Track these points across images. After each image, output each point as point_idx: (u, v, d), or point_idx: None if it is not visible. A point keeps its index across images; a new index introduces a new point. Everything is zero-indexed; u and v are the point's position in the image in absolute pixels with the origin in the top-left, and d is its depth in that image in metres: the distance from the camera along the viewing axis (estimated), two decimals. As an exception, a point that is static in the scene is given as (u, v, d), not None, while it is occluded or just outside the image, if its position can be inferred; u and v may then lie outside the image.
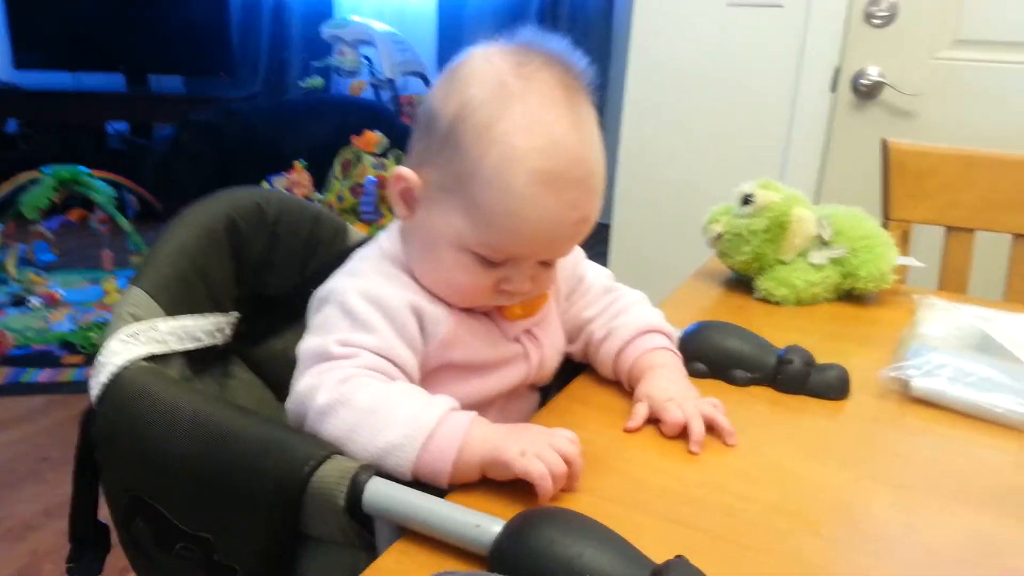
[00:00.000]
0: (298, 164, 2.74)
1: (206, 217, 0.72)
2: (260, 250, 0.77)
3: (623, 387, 0.74)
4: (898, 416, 0.73)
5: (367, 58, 3.39)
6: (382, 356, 0.60)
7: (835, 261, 1.00)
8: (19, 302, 2.72)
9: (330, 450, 0.53)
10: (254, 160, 2.92)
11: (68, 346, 2.48)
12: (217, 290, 0.73)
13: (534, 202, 0.59)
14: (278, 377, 0.84)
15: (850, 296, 1.02)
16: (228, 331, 0.75)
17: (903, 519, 0.56)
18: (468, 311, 0.67)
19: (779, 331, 0.87)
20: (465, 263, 0.63)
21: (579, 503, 0.55)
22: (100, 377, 0.60)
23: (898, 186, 1.25)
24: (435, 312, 0.65)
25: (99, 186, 2.62)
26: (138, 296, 0.65)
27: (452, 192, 0.62)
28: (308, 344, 0.62)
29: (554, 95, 0.60)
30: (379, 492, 0.51)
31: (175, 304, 0.67)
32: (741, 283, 1.05)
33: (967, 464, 0.65)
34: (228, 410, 0.57)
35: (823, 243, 1.01)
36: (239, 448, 0.54)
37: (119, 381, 0.59)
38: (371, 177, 2.45)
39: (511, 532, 0.48)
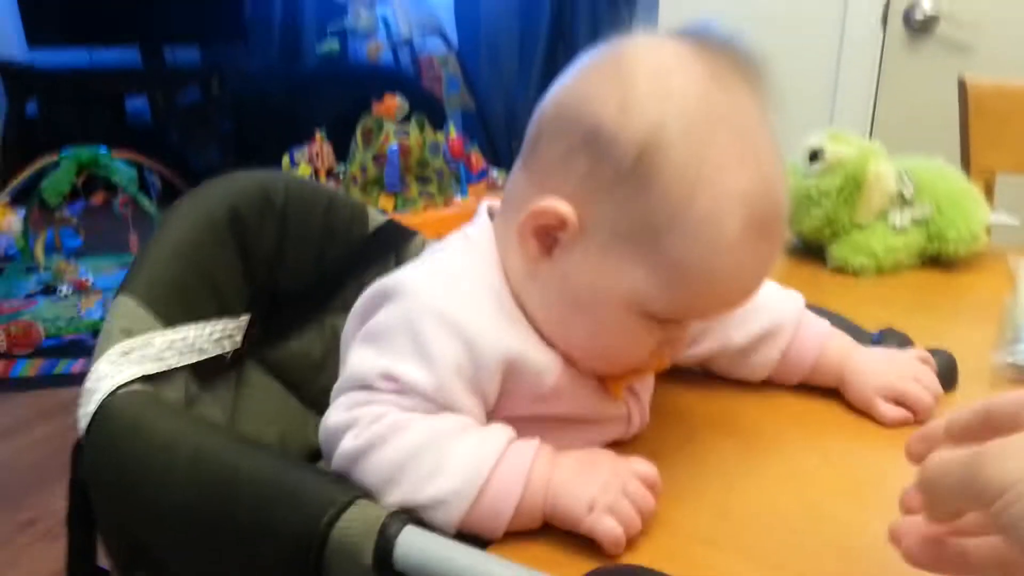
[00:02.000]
0: (319, 135, 2.64)
1: (205, 208, 0.63)
2: (269, 242, 0.68)
3: (696, 389, 0.64)
4: (1020, 410, 0.62)
5: (383, 19, 3.26)
6: (434, 402, 0.48)
7: (918, 222, 0.89)
8: (49, 290, 2.68)
9: (353, 494, 0.44)
10: (273, 133, 2.84)
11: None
12: (223, 291, 0.64)
13: (744, 254, 0.47)
14: (300, 379, 0.75)
15: (936, 261, 0.91)
16: (238, 337, 0.66)
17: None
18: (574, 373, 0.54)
19: (860, 306, 0.75)
20: (632, 326, 0.49)
21: (658, 548, 0.45)
22: (88, 406, 0.52)
23: (979, 131, 1.12)
24: (541, 362, 0.51)
25: (120, 167, 2.56)
26: (129, 307, 0.57)
27: (633, 242, 0.47)
28: (355, 361, 0.50)
29: (754, 114, 0.48)
30: (415, 545, 0.42)
31: (174, 313, 0.59)
32: (810, 252, 0.94)
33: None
34: (234, 446, 0.48)
35: (904, 202, 0.89)
36: (247, 494, 0.45)
37: (108, 411, 0.51)
38: (393, 146, 2.34)
39: (580, 599, 0.38)
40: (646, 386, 0.59)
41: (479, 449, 0.46)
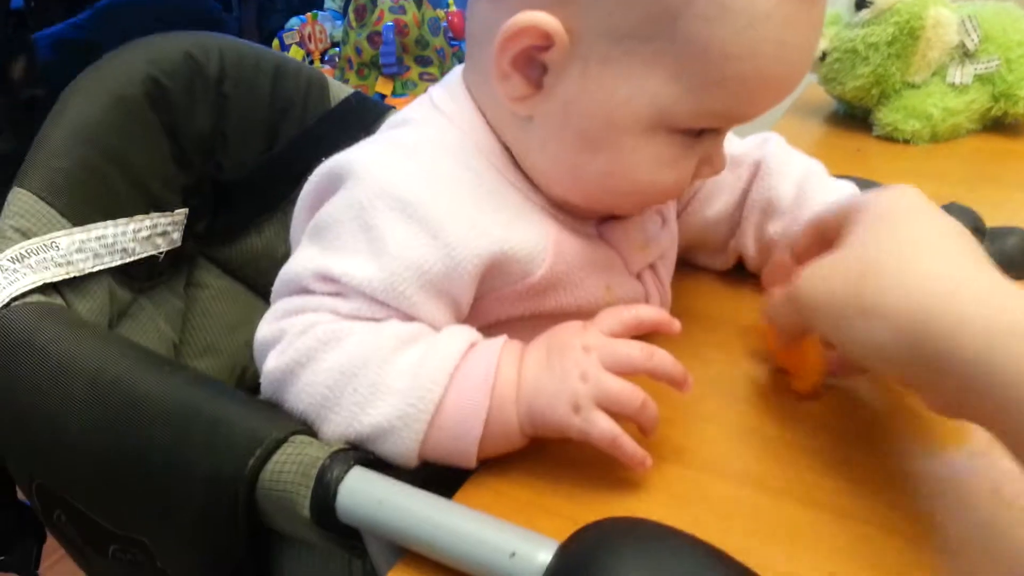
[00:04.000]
0: (311, 15, 2.46)
1: (114, 82, 0.52)
2: (204, 121, 0.58)
3: (713, 283, 0.54)
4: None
5: None
6: (383, 306, 0.38)
7: (983, 78, 0.77)
8: None
9: (289, 428, 0.35)
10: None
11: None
12: (148, 181, 0.54)
13: (785, 22, 0.36)
14: (263, 280, 0.66)
15: (1000, 125, 0.80)
16: (175, 234, 0.57)
17: None
18: (580, 238, 0.44)
19: (915, 179, 0.61)
20: (658, 148, 0.39)
21: (670, 486, 0.36)
22: (-24, 322, 0.42)
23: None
24: (529, 246, 0.41)
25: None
26: (25, 202, 0.47)
27: (642, 38, 0.37)
28: (293, 261, 0.41)
29: None
30: (360, 493, 0.33)
31: (83, 208, 0.49)
32: (854, 118, 0.84)
33: None
34: (143, 367, 0.39)
35: (966, 54, 0.77)
36: (158, 429, 0.37)
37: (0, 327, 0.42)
38: (389, 23, 2.17)
39: (568, 564, 0.29)
40: (668, 264, 0.49)
41: (430, 358, 0.36)
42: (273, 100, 0.61)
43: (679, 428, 0.39)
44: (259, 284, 0.66)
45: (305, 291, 0.39)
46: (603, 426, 0.35)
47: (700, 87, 0.37)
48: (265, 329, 0.39)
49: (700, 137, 0.40)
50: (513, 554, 0.30)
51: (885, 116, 0.78)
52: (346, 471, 0.33)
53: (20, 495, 0.48)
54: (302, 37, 2.35)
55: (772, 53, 0.36)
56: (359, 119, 0.67)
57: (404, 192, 0.39)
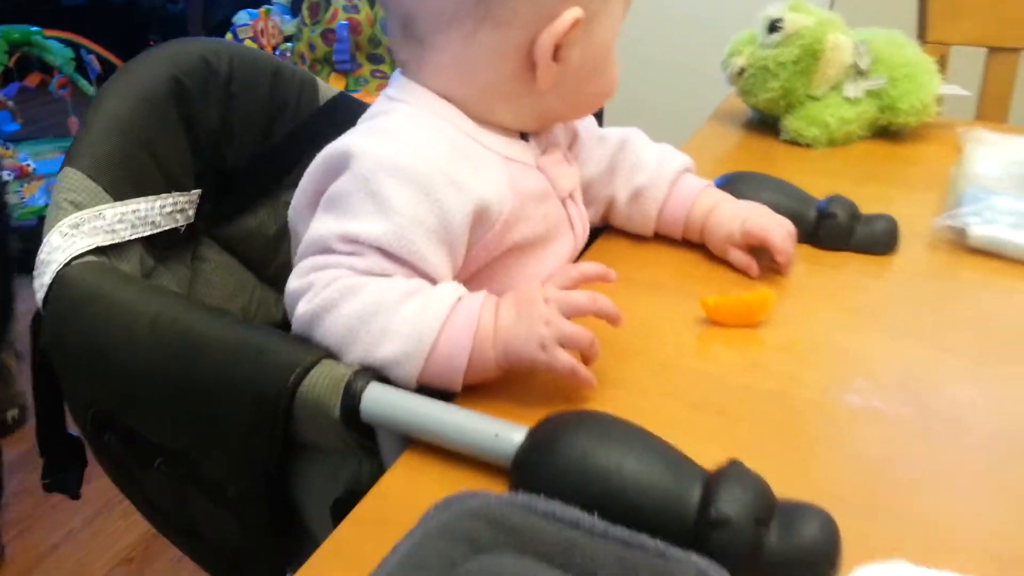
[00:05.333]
0: (263, 10, 2.52)
1: (145, 80, 0.60)
2: (214, 115, 0.66)
3: (638, 252, 0.67)
4: (955, 269, 0.65)
5: None
6: (392, 255, 0.48)
7: (872, 93, 0.89)
8: (-13, 177, 2.57)
9: (319, 353, 0.46)
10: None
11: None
12: (170, 166, 0.63)
13: None
14: (257, 257, 0.75)
15: (887, 132, 0.92)
16: (190, 212, 0.66)
17: (977, 392, 0.50)
18: (526, 172, 0.57)
19: (811, 177, 0.77)
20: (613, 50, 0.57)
21: (607, 399, 0.48)
22: (43, 277, 0.51)
23: (935, 4, 1.11)
24: (497, 193, 0.53)
25: (55, 47, 2.42)
26: (76, 179, 0.55)
27: None
28: (314, 228, 0.50)
29: None
30: (380, 400, 0.44)
31: (121, 186, 0.57)
32: (766, 124, 0.94)
33: (1039, 323, 0.58)
34: (195, 311, 0.49)
35: (859, 73, 0.89)
36: (210, 356, 0.46)
37: (64, 281, 0.51)
38: (343, 21, 2.24)
39: (536, 442, 0.41)
40: (578, 198, 0.64)
41: (427, 309, 0.47)
42: (271, 98, 0.70)
43: (614, 360, 0.51)
44: (252, 260, 0.75)
45: (328, 251, 0.49)
46: (564, 359, 0.46)
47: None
48: (295, 282, 0.49)
49: None
50: (496, 435, 0.41)
51: (791, 124, 0.89)
52: (367, 383, 0.44)
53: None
54: (255, 32, 2.40)
55: None
56: (344, 116, 0.76)
57: (398, 161, 0.50)
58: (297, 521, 0.53)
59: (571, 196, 0.62)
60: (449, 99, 0.55)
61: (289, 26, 2.67)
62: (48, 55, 2.41)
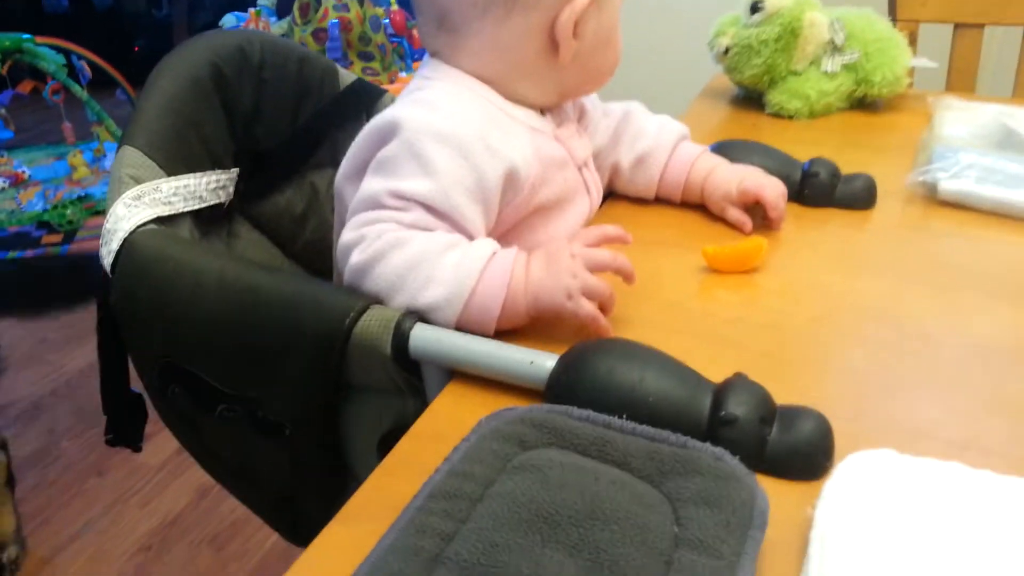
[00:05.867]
0: (253, 12, 2.56)
1: (189, 65, 0.66)
2: (248, 99, 0.72)
3: (643, 214, 0.73)
4: (927, 220, 0.72)
5: None
6: (435, 210, 0.55)
7: (848, 67, 0.96)
8: (-17, 184, 2.60)
9: (369, 300, 0.51)
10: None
11: (45, 225, 2.40)
12: (213, 145, 0.68)
13: None
14: (284, 234, 0.81)
15: (863, 103, 0.99)
16: (230, 189, 0.71)
17: (945, 320, 0.56)
18: (547, 141, 0.64)
19: (796, 145, 0.83)
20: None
21: (626, 333, 0.54)
22: (111, 244, 0.57)
23: (905, -17, 1.18)
24: (524, 159, 0.59)
25: (47, 54, 2.45)
26: (134, 156, 0.61)
27: None
28: (365, 187, 0.56)
29: None
30: (426, 337, 0.50)
31: (173, 162, 0.63)
32: (751, 99, 1.01)
33: (1000, 262, 0.65)
34: (254, 269, 0.55)
35: (835, 49, 0.96)
36: (273, 306, 0.52)
37: (132, 247, 0.56)
38: (334, 20, 2.29)
39: (567, 365, 0.47)
40: (592, 166, 0.71)
41: (466, 260, 0.53)
42: (298, 83, 0.76)
43: (627, 302, 0.57)
44: (281, 237, 0.81)
45: (378, 206, 0.54)
46: (588, 308, 0.52)
47: None
48: (348, 235, 0.54)
49: None
50: (532, 362, 0.47)
51: (774, 98, 0.96)
52: (414, 323, 0.50)
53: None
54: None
55: None
56: (361, 100, 0.82)
57: (439, 127, 0.56)
58: (344, 461, 0.59)
59: (586, 164, 0.68)
60: (481, 79, 0.61)
61: (277, 27, 2.72)
62: (40, 62, 2.43)
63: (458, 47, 0.61)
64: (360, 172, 0.58)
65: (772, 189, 0.68)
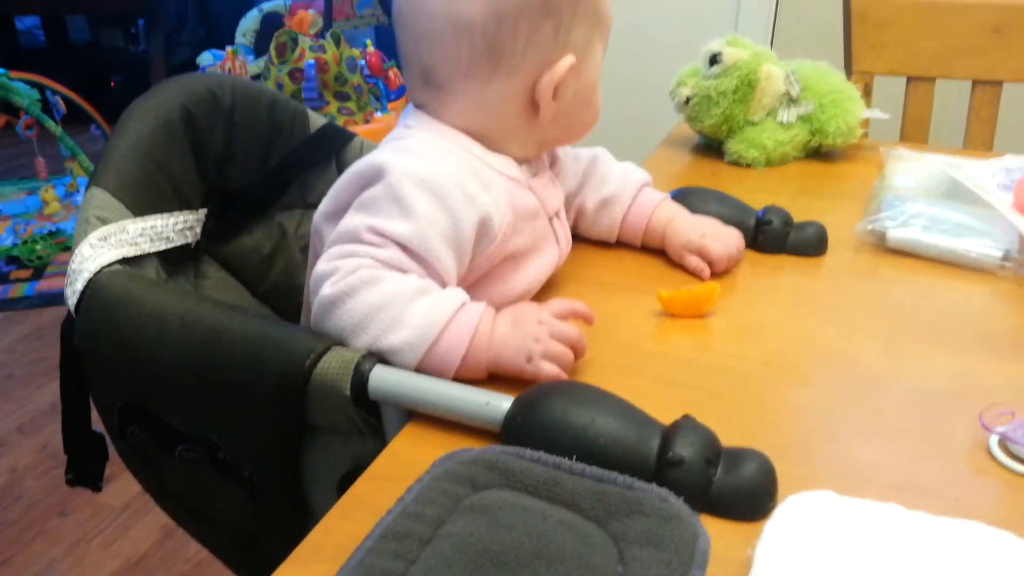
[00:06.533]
0: (230, 51, 2.59)
1: (160, 108, 0.67)
2: (219, 142, 0.73)
3: (604, 258, 0.75)
4: (876, 267, 0.74)
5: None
6: (411, 251, 0.56)
7: (803, 118, 1.00)
8: (-48, 218, 2.58)
9: (330, 341, 0.53)
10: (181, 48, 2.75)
11: (14, 261, 2.38)
12: (182, 187, 0.69)
13: None
14: (251, 274, 0.82)
15: (818, 153, 1.03)
16: (198, 229, 0.72)
17: (889, 365, 0.59)
18: (521, 192, 0.66)
19: (752, 193, 0.86)
20: (598, 82, 0.67)
21: (581, 374, 0.55)
22: (76, 284, 0.57)
23: (860, 37, 1.23)
24: (499, 206, 0.61)
25: (20, 88, 2.45)
26: (102, 197, 0.62)
27: (594, 32, 0.64)
28: (345, 222, 0.58)
29: None
30: (385, 379, 0.51)
31: (141, 204, 0.64)
32: (711, 147, 1.04)
33: (945, 309, 0.67)
34: (218, 309, 0.55)
35: (791, 100, 1.00)
36: (235, 347, 0.53)
37: (96, 287, 0.57)
38: (310, 61, 2.32)
39: (522, 406, 0.48)
40: (563, 216, 0.73)
41: (435, 308, 0.54)
42: (269, 126, 0.78)
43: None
44: (248, 277, 0.82)
45: (356, 240, 0.56)
46: (548, 370, 0.53)
47: (603, 39, 0.65)
48: (323, 266, 0.55)
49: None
50: (488, 403, 0.49)
51: (733, 146, 0.99)
52: (374, 364, 0.51)
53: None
54: (223, 71, 2.46)
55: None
56: (331, 143, 0.84)
57: (421, 173, 0.58)
58: (304, 501, 0.59)
59: (557, 214, 0.70)
60: (463, 132, 0.63)
61: (254, 65, 2.75)
62: (14, 96, 2.44)
63: (443, 103, 0.63)
64: (340, 212, 0.60)
65: (720, 248, 0.71)
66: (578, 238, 0.79)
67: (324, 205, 0.64)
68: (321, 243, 0.62)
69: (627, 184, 0.77)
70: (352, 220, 0.57)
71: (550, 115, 0.63)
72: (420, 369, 0.54)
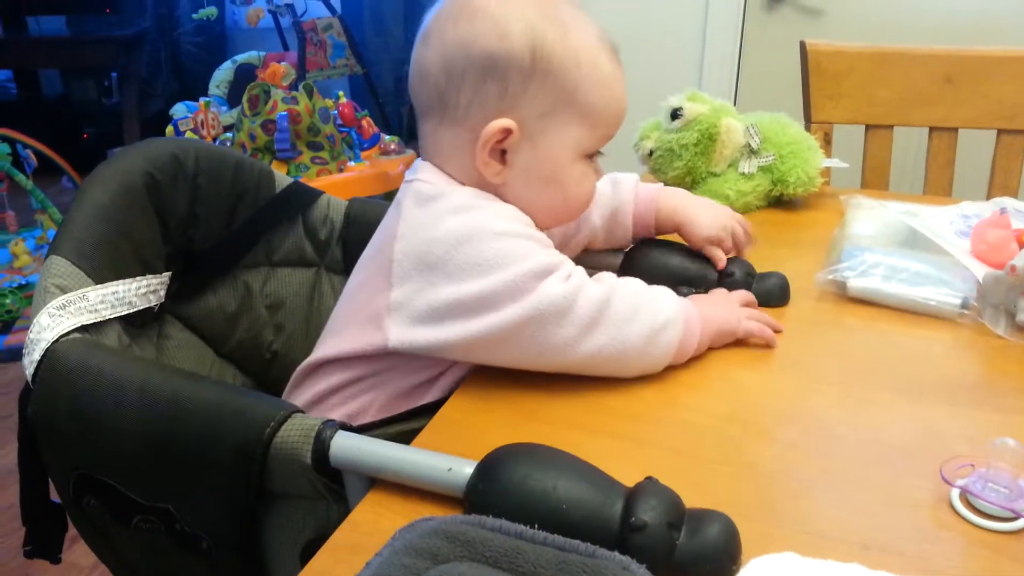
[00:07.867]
0: (203, 103, 2.60)
1: (122, 175, 0.68)
2: (183, 205, 0.74)
3: None
4: (837, 317, 0.75)
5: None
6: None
7: (764, 168, 1.02)
8: (-80, 272, 2.54)
9: (291, 409, 0.52)
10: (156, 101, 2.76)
11: (-20, 315, 2.35)
12: (144, 251, 0.69)
13: (617, 77, 0.65)
14: (215, 333, 0.81)
15: (780, 202, 1.05)
16: (162, 292, 0.72)
17: (851, 416, 0.59)
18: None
19: (716, 243, 0.88)
20: (581, 169, 0.66)
21: (543, 434, 0.55)
22: (33, 355, 0.57)
23: (817, 88, 1.26)
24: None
25: (-10, 143, 2.45)
26: (60, 265, 0.61)
27: (560, 110, 0.63)
28: (509, 276, 0.58)
29: None
30: (346, 446, 0.50)
31: (101, 270, 0.64)
32: (675, 198, 1.06)
33: (906, 357, 0.68)
34: (177, 377, 0.55)
35: (751, 151, 1.02)
36: (194, 416, 0.52)
37: (53, 357, 0.56)
38: (283, 112, 2.34)
39: (484, 472, 0.48)
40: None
41: (665, 292, 0.65)
42: (233, 188, 0.78)
43: (546, 400, 0.58)
44: (212, 337, 0.81)
45: (552, 269, 0.60)
46: (754, 326, 0.68)
47: (594, 125, 0.65)
48: (559, 287, 0.59)
49: (593, 157, 0.68)
50: (449, 469, 0.48)
51: None
52: (335, 432, 0.51)
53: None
54: (196, 124, 2.47)
55: (619, 94, 0.66)
56: (297, 202, 0.85)
57: (502, 228, 0.61)
58: (266, 571, 0.58)
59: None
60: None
61: (227, 116, 2.76)
62: (-16, 151, 2.43)
63: (423, 141, 0.67)
64: (410, 273, 0.61)
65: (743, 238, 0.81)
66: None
67: (362, 274, 0.68)
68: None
69: (622, 189, 0.81)
70: (512, 269, 0.58)
71: (493, 174, 0.64)
72: (681, 343, 0.63)
